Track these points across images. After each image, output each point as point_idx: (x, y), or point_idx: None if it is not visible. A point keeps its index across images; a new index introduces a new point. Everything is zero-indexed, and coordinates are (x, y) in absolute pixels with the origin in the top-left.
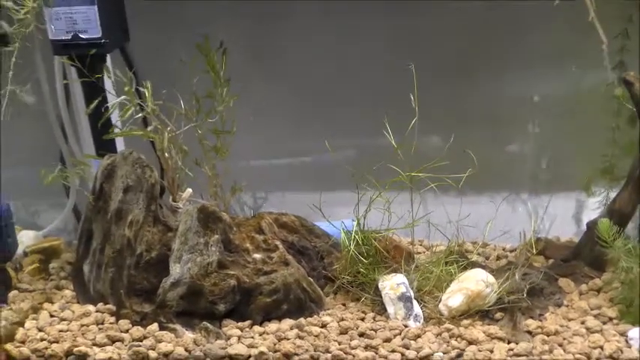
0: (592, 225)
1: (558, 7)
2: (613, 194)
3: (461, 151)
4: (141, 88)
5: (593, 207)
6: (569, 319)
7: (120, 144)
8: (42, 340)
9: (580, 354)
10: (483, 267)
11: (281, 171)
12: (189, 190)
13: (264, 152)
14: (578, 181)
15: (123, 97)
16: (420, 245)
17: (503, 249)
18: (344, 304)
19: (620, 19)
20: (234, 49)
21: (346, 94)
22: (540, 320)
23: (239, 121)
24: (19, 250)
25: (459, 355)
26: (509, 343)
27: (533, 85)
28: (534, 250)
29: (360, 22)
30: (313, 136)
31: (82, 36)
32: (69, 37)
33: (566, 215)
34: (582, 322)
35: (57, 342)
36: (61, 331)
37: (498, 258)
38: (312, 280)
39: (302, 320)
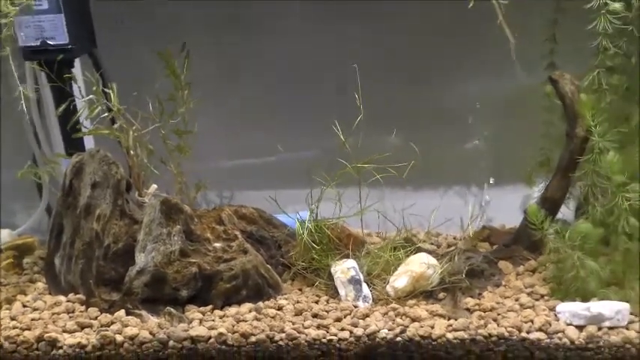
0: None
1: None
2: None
3: (414, 148)
4: (107, 90)
5: (536, 196)
6: (505, 297)
7: (90, 144)
8: (14, 328)
9: (512, 327)
10: (429, 252)
11: (247, 170)
12: (154, 185)
13: (232, 153)
14: (522, 173)
15: (91, 95)
16: (377, 236)
17: (454, 238)
18: (300, 289)
19: (548, 23)
20: (200, 51)
21: (310, 95)
22: (479, 299)
23: (209, 123)
24: None
25: (403, 332)
26: (449, 319)
27: (481, 84)
28: (474, 236)
29: (322, 24)
30: (278, 136)
31: (50, 42)
32: (38, 43)
33: (513, 205)
34: (516, 300)
35: (29, 329)
36: (33, 319)
37: (449, 246)
38: (269, 267)
39: (260, 304)
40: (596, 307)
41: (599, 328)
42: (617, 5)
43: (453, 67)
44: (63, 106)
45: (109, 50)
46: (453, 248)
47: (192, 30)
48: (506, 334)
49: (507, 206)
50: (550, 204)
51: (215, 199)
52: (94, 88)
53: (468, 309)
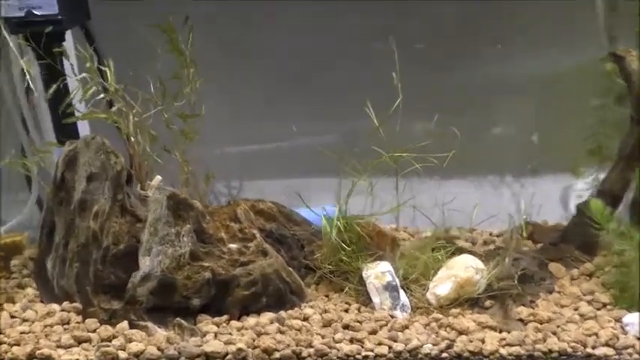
0: (582, 207)
1: None
2: (602, 175)
3: (446, 134)
4: (103, 67)
5: (581, 188)
6: (562, 306)
7: (84, 130)
8: (1, 343)
9: (575, 342)
10: (472, 253)
11: (258, 157)
12: (159, 177)
13: (240, 138)
14: (564, 162)
15: (84, 74)
16: (405, 232)
17: (490, 234)
18: (326, 295)
19: None
20: (209, 30)
21: (325, 77)
22: (532, 307)
23: (216, 105)
24: None
25: (449, 347)
26: (500, 332)
27: (519, 65)
28: (524, 234)
29: (342, 4)
30: (291, 120)
31: (36, 12)
32: (22, 13)
33: (553, 198)
34: (575, 309)
35: (18, 344)
36: (22, 332)
37: (485, 243)
38: (292, 270)
39: (282, 313)
40: None
41: None
42: None
43: (491, 47)
44: (53, 87)
45: (102, 22)
46: (496, 247)
47: (197, 4)
48: (569, 349)
49: (546, 199)
50: (609, 199)
51: (223, 189)
52: (88, 65)
53: (521, 320)
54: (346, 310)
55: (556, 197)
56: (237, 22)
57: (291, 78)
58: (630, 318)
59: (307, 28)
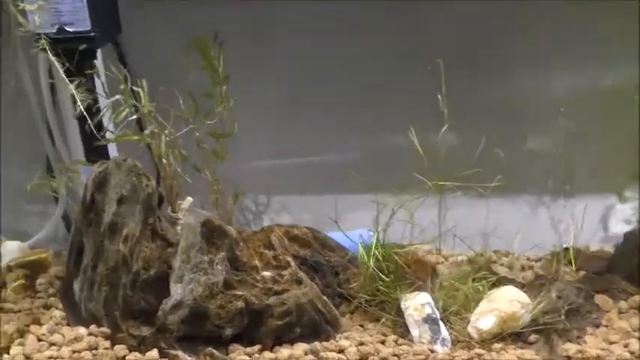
0: (629, 235)
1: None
2: None
3: (482, 151)
4: (135, 88)
5: (624, 213)
6: (611, 342)
7: (112, 149)
8: None
9: None
10: (513, 282)
11: (286, 173)
12: (190, 198)
13: (268, 153)
14: (604, 184)
15: (117, 96)
16: (439, 254)
17: (528, 258)
18: (362, 325)
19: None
20: (236, 46)
21: (355, 91)
22: (579, 343)
23: (241, 120)
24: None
25: None
26: None
27: (557, 82)
28: (567, 263)
29: (367, 16)
30: (320, 135)
31: (68, 29)
32: (54, 30)
33: (593, 221)
34: (625, 346)
35: None
36: (50, 357)
37: (523, 269)
38: (327, 299)
39: (317, 345)
40: None
41: None
42: None
43: (534, 60)
44: (82, 106)
45: (133, 35)
46: (536, 276)
47: (224, 17)
48: None
49: (586, 222)
50: None
51: (250, 204)
52: (122, 87)
53: (568, 357)
54: (383, 342)
55: (595, 221)
56: (263, 34)
57: (320, 90)
58: None
59: (337, 38)
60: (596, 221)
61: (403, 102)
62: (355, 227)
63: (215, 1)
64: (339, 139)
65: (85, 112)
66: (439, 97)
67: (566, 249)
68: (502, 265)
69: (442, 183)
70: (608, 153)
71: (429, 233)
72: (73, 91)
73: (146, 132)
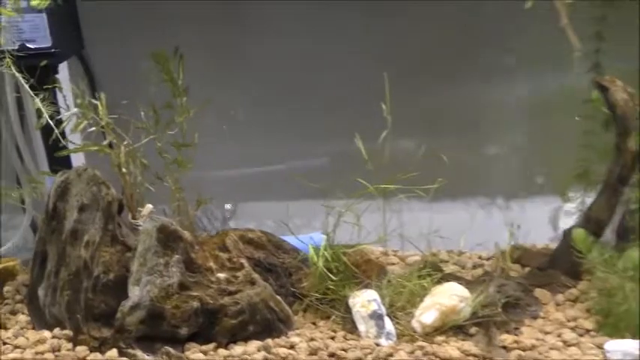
0: (568, 232)
1: (534, 9)
2: (589, 199)
3: (434, 156)
4: (94, 101)
5: (570, 212)
6: (546, 333)
7: (79, 158)
8: None
9: None
10: (458, 279)
11: (251, 180)
12: (149, 206)
13: (233, 161)
14: (553, 185)
15: (74, 110)
16: (395, 256)
17: (479, 257)
18: (314, 323)
19: (594, 19)
20: (200, 55)
21: (318, 100)
22: (516, 334)
23: (207, 130)
24: None
25: None
26: (484, 359)
27: (508, 88)
28: (509, 260)
29: (331, 26)
30: (284, 143)
31: (29, 45)
32: (15, 47)
33: (542, 220)
34: (559, 335)
35: None
36: (14, 359)
37: (474, 267)
38: (280, 299)
39: (269, 341)
40: None
41: None
42: None
43: (479, 68)
44: (42, 118)
45: (98, 48)
46: (484, 272)
47: (186, 30)
48: None
49: (535, 221)
50: (594, 225)
51: (216, 212)
52: (79, 101)
53: (504, 347)
54: (332, 338)
55: (544, 220)
56: (223, 43)
57: (280, 98)
58: (612, 345)
59: (296, 47)
60: (545, 220)
61: (360, 109)
62: (314, 232)
63: (177, 15)
64: (301, 147)
65: (50, 123)
66: (383, 106)
67: (513, 247)
68: (454, 264)
69: (384, 186)
70: (554, 155)
71: (378, 235)
72: (39, 104)
73: (104, 143)
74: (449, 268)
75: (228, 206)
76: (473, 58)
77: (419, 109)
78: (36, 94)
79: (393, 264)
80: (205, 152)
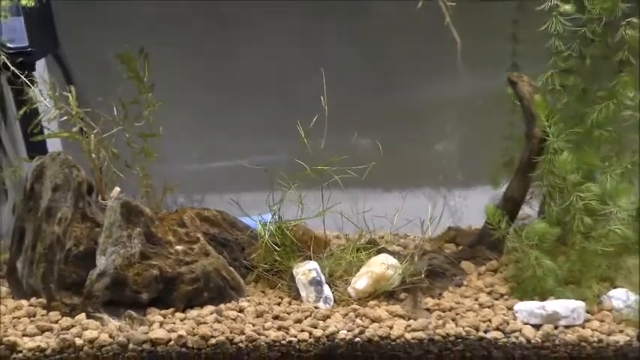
0: None
1: (469, 12)
2: None
3: (385, 150)
4: (65, 93)
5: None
6: (465, 297)
7: (57, 147)
8: None
9: (470, 326)
10: (392, 253)
11: (217, 173)
12: (117, 188)
13: (202, 156)
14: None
15: (46, 100)
16: (346, 239)
17: (422, 239)
18: (263, 292)
19: (511, 22)
20: (167, 54)
21: (280, 98)
22: (439, 299)
23: (179, 127)
24: None
25: (362, 332)
26: (408, 320)
27: (446, 86)
28: (440, 237)
29: (289, 25)
30: (251, 140)
31: (9, 45)
32: None
33: (481, 206)
34: (476, 299)
35: None
36: None
37: (416, 247)
38: (232, 269)
39: (221, 306)
40: (552, 305)
41: (556, 327)
42: (568, 7)
43: (419, 70)
44: (22, 110)
45: (75, 47)
46: (414, 248)
47: (160, 31)
48: (464, 333)
49: (476, 207)
50: (511, 204)
51: (186, 202)
52: (49, 92)
53: (427, 309)
54: (278, 304)
55: (483, 205)
56: (191, 43)
57: (245, 99)
58: (519, 306)
59: (262, 47)
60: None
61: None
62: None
63: (152, 15)
64: (264, 144)
65: (28, 114)
66: (323, 102)
67: (450, 229)
68: (398, 245)
69: (320, 167)
70: (489, 147)
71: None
72: (35, 95)
73: (74, 129)
74: (391, 248)
75: None
76: (419, 59)
77: (364, 108)
78: (14, 89)
79: (343, 245)
80: (175, 147)
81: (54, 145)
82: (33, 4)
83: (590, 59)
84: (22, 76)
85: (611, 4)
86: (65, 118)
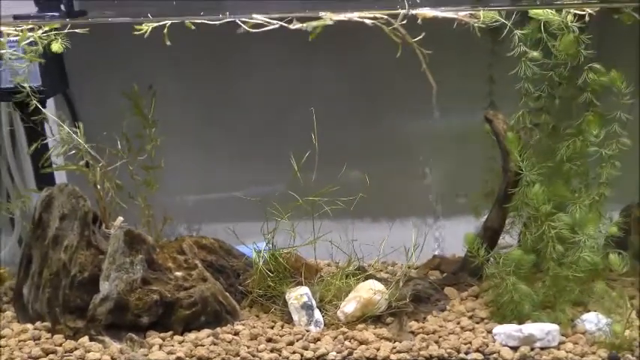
0: None
1: (452, 52)
2: None
3: (373, 182)
4: (73, 129)
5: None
6: (448, 321)
7: (63, 179)
8: None
9: (451, 348)
10: (380, 279)
11: (215, 204)
12: (120, 218)
13: (202, 188)
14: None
15: (56, 135)
16: (337, 267)
17: (409, 267)
18: (257, 316)
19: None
20: (168, 92)
21: (274, 133)
22: (423, 322)
23: (179, 161)
24: None
25: (350, 354)
26: (394, 342)
27: (431, 122)
28: (425, 265)
29: (283, 65)
30: (246, 172)
31: (24, 85)
32: (12, 85)
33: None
34: (458, 323)
35: None
36: None
37: (404, 274)
38: (227, 294)
39: (218, 329)
40: (528, 328)
41: (532, 349)
42: (536, 54)
43: (405, 106)
44: (34, 146)
45: (83, 88)
46: (399, 275)
47: (161, 68)
48: (446, 355)
49: (460, 236)
50: (490, 232)
51: (184, 231)
52: (59, 129)
53: (412, 332)
54: (272, 327)
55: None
56: (190, 81)
57: (241, 134)
58: (499, 329)
59: (257, 85)
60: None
61: (303, 141)
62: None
63: (154, 57)
64: (256, 175)
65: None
66: (313, 138)
67: (434, 257)
68: (386, 272)
69: (311, 198)
70: (471, 179)
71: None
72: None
73: (81, 163)
74: (380, 275)
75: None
76: (405, 96)
77: (358, 142)
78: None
79: (333, 273)
80: (175, 179)
81: (60, 177)
82: (62, 50)
83: (559, 99)
84: (43, 111)
85: (574, 51)
86: (73, 152)
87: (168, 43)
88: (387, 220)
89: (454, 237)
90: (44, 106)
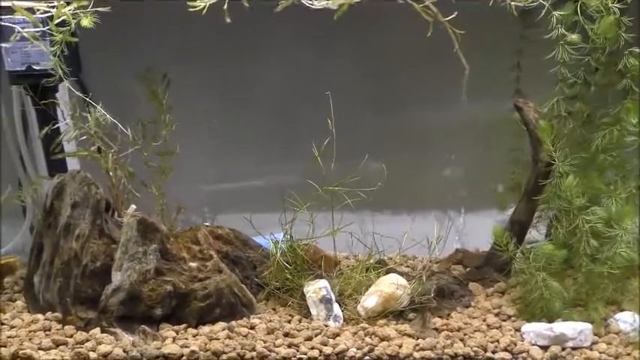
0: None
1: (476, 39)
2: None
3: (398, 174)
4: (85, 114)
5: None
6: (473, 318)
7: (76, 166)
8: None
9: (477, 347)
10: (401, 273)
11: (232, 194)
12: (133, 206)
13: (217, 176)
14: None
15: (67, 120)
16: (355, 259)
17: (430, 261)
18: (274, 309)
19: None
20: (185, 78)
21: (294, 121)
22: (447, 319)
23: (195, 148)
24: None
25: (371, 350)
26: (417, 339)
27: (455, 111)
28: (447, 259)
29: (300, 50)
30: (264, 161)
31: (35, 67)
32: (23, 68)
33: (487, 229)
34: (484, 320)
35: (4, 346)
36: (9, 337)
37: (424, 269)
38: (243, 286)
39: (233, 323)
40: (559, 327)
41: (563, 349)
42: (575, 37)
43: (428, 95)
44: (45, 129)
45: (101, 74)
46: (422, 270)
47: (178, 54)
48: (472, 353)
49: (484, 230)
50: (518, 226)
51: (198, 221)
52: (70, 113)
53: (436, 329)
54: (289, 321)
55: (488, 228)
56: (209, 67)
57: (260, 122)
58: (528, 327)
59: (278, 73)
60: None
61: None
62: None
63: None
64: (275, 164)
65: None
66: (331, 127)
67: (457, 251)
68: (407, 266)
69: (331, 188)
70: (497, 172)
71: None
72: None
73: (92, 148)
74: (400, 269)
75: None
76: (429, 85)
77: (379, 132)
78: (37, 109)
79: (352, 265)
80: (191, 167)
81: (72, 164)
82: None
83: (595, 86)
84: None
85: (614, 34)
86: (84, 137)
87: (228, 20)
88: (407, 212)
89: (476, 231)
90: (56, 90)
